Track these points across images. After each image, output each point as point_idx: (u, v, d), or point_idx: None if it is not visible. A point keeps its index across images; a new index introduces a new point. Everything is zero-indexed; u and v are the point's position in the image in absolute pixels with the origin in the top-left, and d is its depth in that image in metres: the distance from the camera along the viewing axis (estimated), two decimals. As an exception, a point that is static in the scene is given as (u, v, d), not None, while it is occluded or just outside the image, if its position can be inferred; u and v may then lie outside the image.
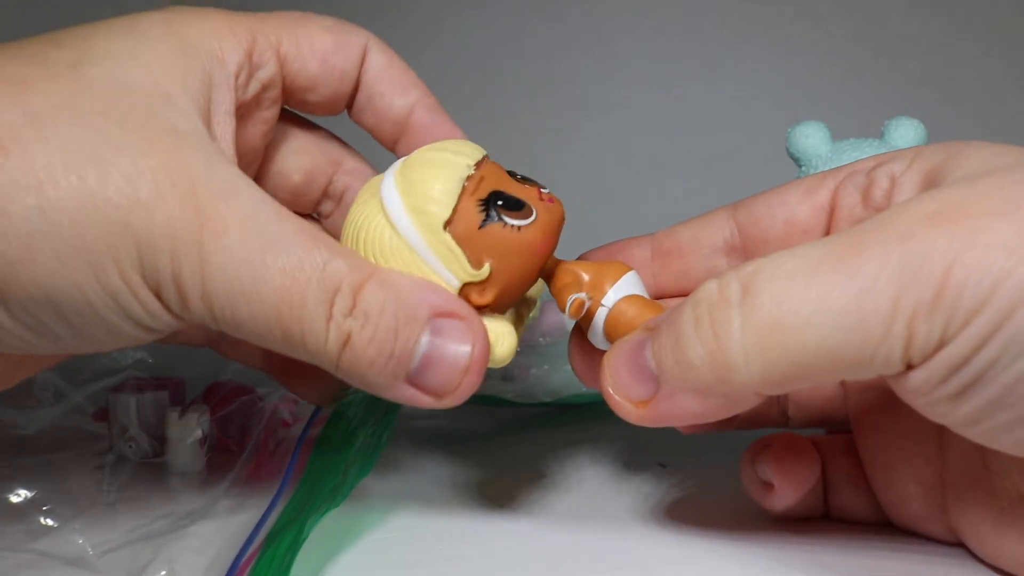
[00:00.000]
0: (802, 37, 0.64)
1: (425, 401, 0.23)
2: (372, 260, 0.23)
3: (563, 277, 0.26)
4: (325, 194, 0.30)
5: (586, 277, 0.25)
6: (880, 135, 0.34)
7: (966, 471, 0.24)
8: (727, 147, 0.62)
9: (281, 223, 0.22)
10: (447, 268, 0.23)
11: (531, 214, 0.24)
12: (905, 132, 0.34)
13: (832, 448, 0.28)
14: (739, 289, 0.21)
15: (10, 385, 0.25)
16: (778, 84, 0.64)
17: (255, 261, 0.21)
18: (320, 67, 0.27)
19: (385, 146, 0.29)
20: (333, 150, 0.30)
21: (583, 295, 0.25)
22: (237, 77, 0.24)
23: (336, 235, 0.30)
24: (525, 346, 0.42)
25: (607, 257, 0.28)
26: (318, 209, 0.30)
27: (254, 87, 0.25)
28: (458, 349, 0.23)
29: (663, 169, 0.64)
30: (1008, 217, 0.19)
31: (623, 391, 0.23)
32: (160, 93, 0.22)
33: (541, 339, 0.43)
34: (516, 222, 0.24)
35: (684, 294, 0.28)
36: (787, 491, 0.26)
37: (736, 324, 0.21)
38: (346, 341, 0.22)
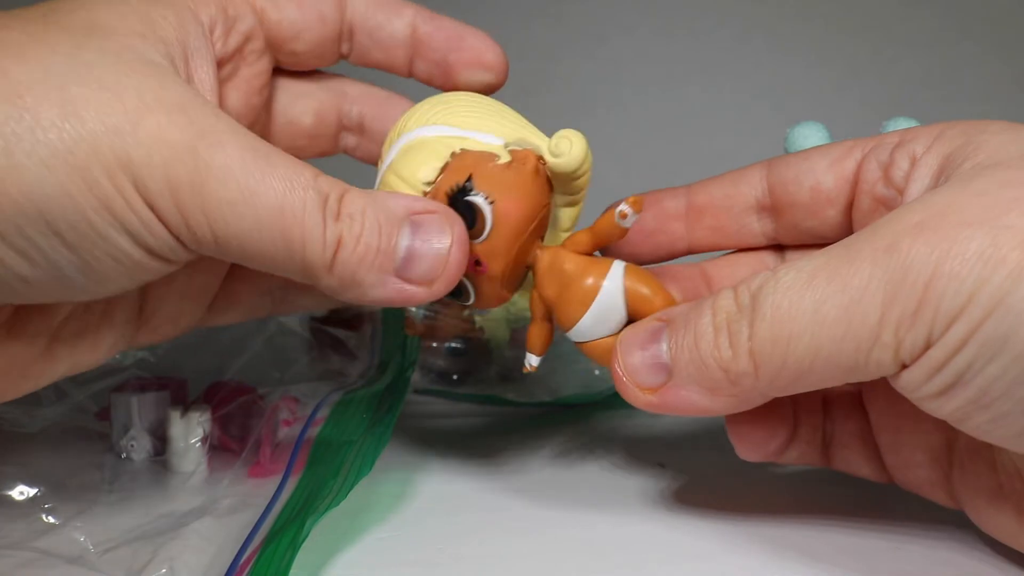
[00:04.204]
0: (802, 37, 0.64)
1: (416, 292, 0.24)
2: None
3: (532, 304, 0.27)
4: (342, 127, 0.30)
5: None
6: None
7: (971, 441, 0.25)
8: (726, 147, 0.62)
9: (268, 143, 0.22)
10: None
11: (469, 297, 0.26)
12: (904, 133, 0.34)
13: (842, 403, 0.28)
14: (749, 300, 0.22)
15: (16, 395, 0.25)
16: (777, 84, 0.64)
17: (256, 167, 0.22)
18: (298, 11, 0.27)
19: (403, 75, 0.29)
20: (333, 84, 0.30)
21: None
22: (212, 31, 0.25)
23: (371, 163, 0.30)
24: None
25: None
26: (341, 146, 0.31)
27: (235, 40, 0.26)
28: (439, 236, 0.24)
29: (662, 169, 0.64)
30: (985, 226, 0.20)
31: (633, 375, 0.24)
32: (134, 33, 0.23)
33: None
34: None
35: (718, 248, 0.30)
36: (745, 451, 0.27)
37: (745, 335, 0.22)
38: (338, 243, 0.23)
